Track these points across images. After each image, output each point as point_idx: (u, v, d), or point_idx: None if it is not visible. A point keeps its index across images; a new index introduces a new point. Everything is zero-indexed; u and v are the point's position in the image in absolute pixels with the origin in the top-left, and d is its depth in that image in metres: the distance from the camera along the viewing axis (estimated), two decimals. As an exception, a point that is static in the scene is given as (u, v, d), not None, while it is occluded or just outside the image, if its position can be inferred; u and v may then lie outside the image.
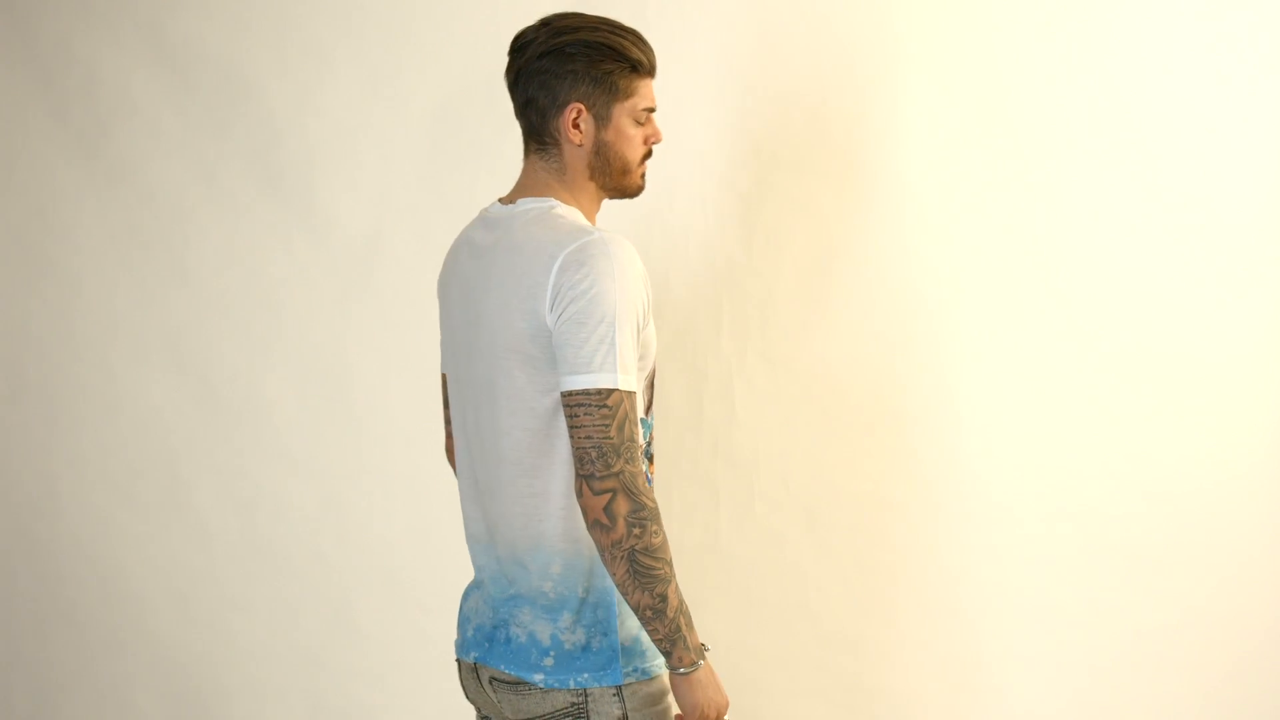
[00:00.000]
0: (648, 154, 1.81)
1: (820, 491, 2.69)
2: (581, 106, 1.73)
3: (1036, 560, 2.69)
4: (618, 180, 1.78)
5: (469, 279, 1.76)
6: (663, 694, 1.73)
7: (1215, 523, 2.67)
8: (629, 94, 1.75)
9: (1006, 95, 2.66)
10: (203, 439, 2.83)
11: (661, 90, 2.68)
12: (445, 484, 2.79)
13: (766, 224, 2.69)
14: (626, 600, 1.64)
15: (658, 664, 1.72)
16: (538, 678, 1.68)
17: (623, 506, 1.61)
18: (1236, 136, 2.64)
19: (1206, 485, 2.66)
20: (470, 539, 1.83)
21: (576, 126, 1.73)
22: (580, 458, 1.62)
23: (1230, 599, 2.68)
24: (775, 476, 2.69)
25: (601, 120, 1.74)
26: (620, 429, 1.61)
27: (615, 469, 1.61)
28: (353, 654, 2.81)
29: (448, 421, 1.95)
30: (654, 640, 1.67)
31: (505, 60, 1.78)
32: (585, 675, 1.68)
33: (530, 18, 1.78)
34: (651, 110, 1.79)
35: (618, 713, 1.68)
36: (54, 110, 2.80)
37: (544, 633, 1.70)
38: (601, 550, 1.63)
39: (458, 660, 1.84)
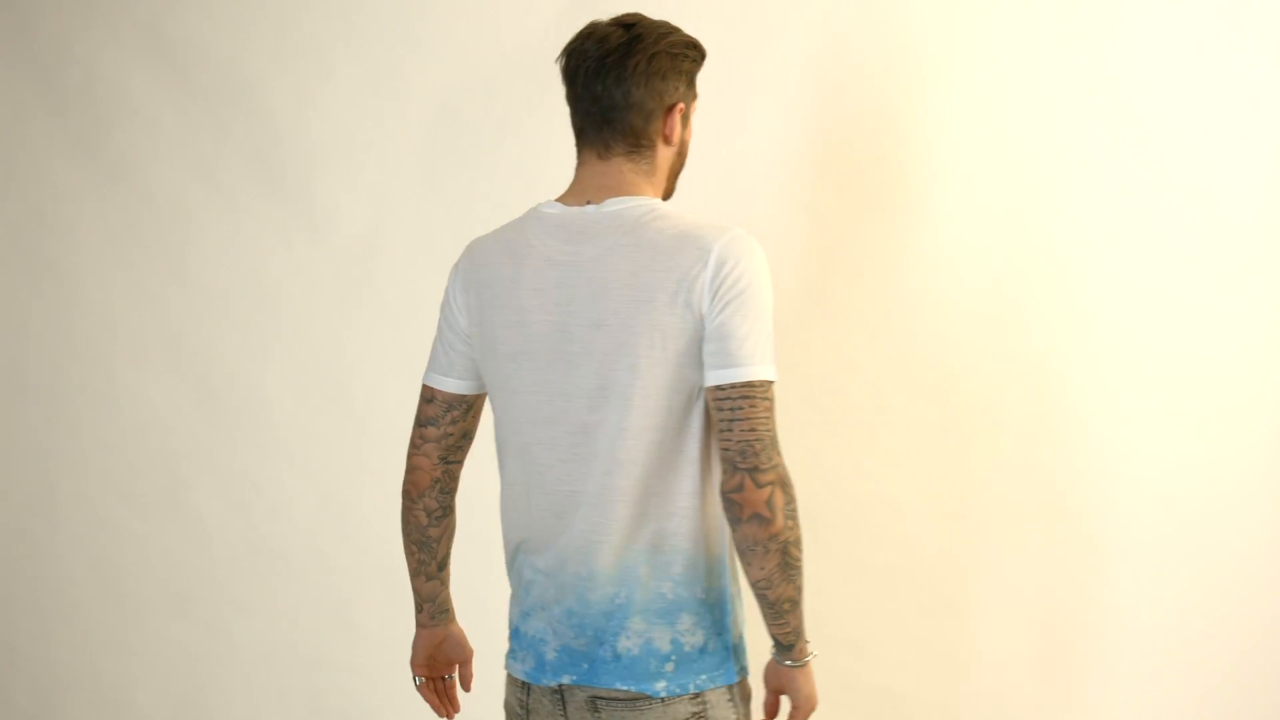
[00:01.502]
0: None
1: (820, 491, 2.69)
2: (683, 106, 1.74)
3: (1036, 560, 2.69)
4: (676, 180, 1.81)
5: (553, 284, 1.67)
6: (751, 694, 1.77)
7: (1215, 522, 2.66)
8: (697, 94, 1.79)
9: (1007, 94, 2.65)
10: (203, 439, 2.83)
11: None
12: (445, 484, 2.79)
13: (766, 224, 2.69)
14: (768, 594, 1.66)
15: (746, 664, 1.76)
16: (659, 686, 1.66)
17: (780, 498, 1.63)
18: (1238, 136, 2.64)
19: (1206, 485, 2.66)
20: (529, 554, 1.74)
21: (677, 127, 1.74)
22: (743, 451, 1.61)
23: (1230, 599, 2.67)
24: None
25: (685, 120, 1.76)
26: (773, 421, 1.64)
27: (775, 461, 1.63)
28: (352, 654, 2.81)
29: (425, 439, 1.84)
30: (783, 633, 1.71)
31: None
32: (703, 677, 1.69)
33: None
34: None
35: (733, 716, 1.71)
36: (54, 110, 2.80)
37: (662, 638, 1.67)
38: (754, 544, 1.63)
39: (523, 684, 1.76)
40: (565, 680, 1.70)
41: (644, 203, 1.68)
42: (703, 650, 1.69)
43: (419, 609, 1.93)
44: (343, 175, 2.77)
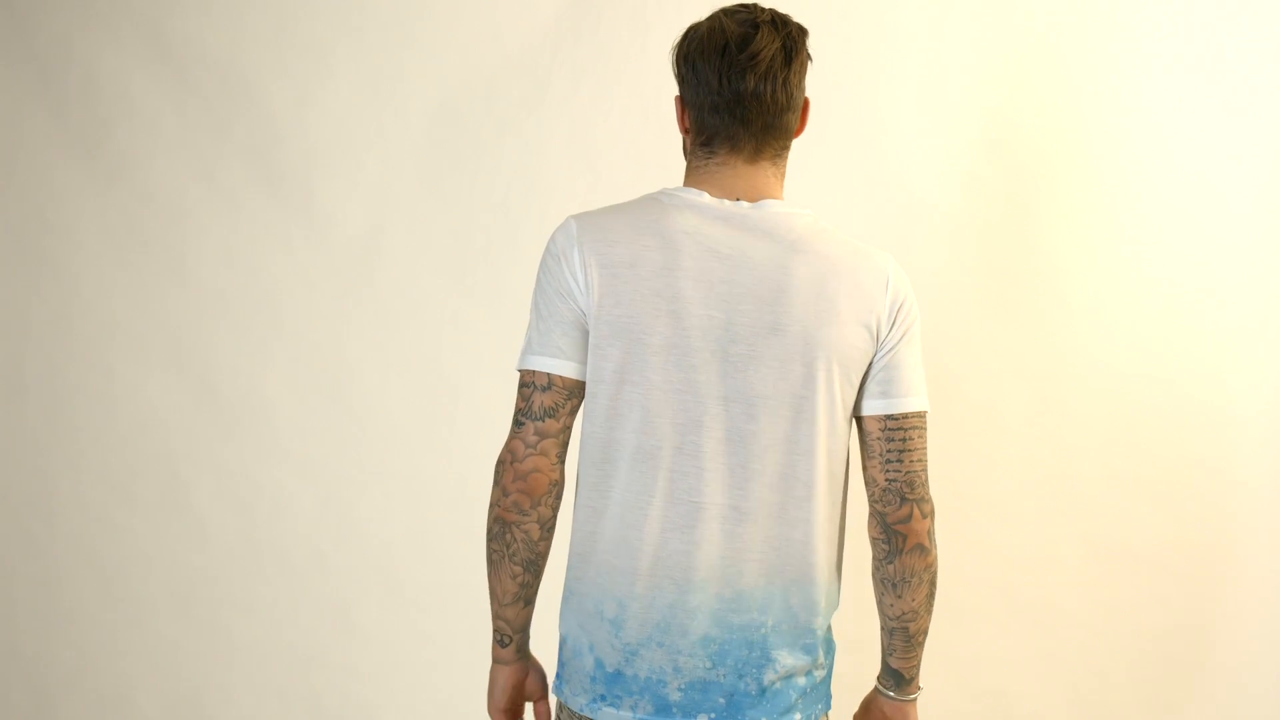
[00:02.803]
0: None
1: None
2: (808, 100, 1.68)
3: (1036, 560, 2.69)
4: None
5: (720, 278, 1.56)
6: None
7: (1214, 521, 2.66)
8: None
9: (1007, 93, 2.65)
10: (203, 439, 2.83)
11: (661, 90, 2.69)
12: (444, 483, 2.79)
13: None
14: (910, 626, 1.67)
15: None
16: (797, 718, 1.61)
17: (934, 530, 1.65)
18: (1238, 135, 2.64)
19: (1206, 484, 2.66)
20: (637, 576, 1.56)
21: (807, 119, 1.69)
22: (911, 481, 1.63)
23: (1230, 599, 2.67)
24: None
25: None
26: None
27: (930, 493, 1.65)
28: (352, 654, 2.81)
29: (544, 435, 1.58)
30: (910, 666, 1.72)
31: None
32: (819, 706, 1.65)
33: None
34: None
35: None
36: (54, 110, 2.80)
37: (801, 670, 1.61)
38: (910, 575, 1.64)
39: None
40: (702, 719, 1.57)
41: (803, 209, 1.63)
42: (820, 685, 1.66)
43: (506, 642, 1.65)
44: (343, 175, 2.77)
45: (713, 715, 1.56)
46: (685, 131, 1.67)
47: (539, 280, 1.61)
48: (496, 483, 1.59)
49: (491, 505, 1.59)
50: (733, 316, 1.55)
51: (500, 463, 1.58)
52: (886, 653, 1.73)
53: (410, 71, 2.75)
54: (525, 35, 2.69)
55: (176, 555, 2.83)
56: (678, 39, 1.67)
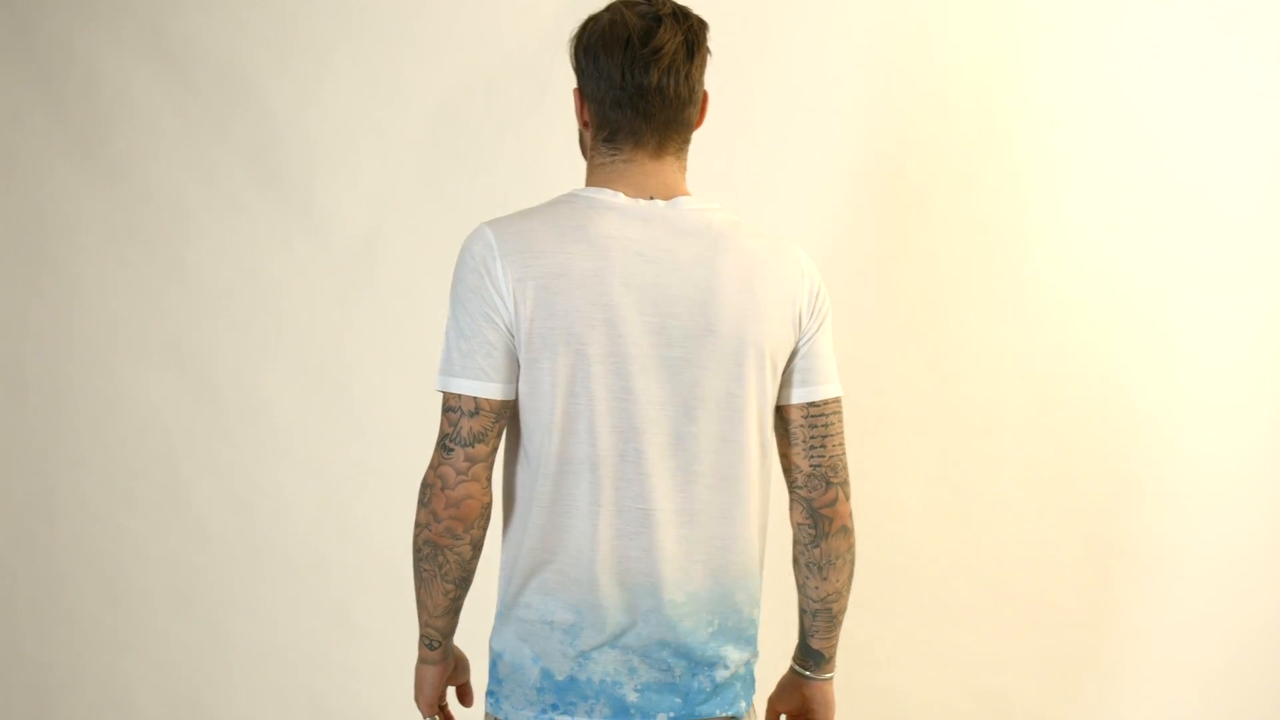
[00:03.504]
0: None
1: (820, 491, 2.69)
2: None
3: (1036, 560, 2.69)
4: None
5: (651, 282, 1.55)
6: None
7: (1215, 522, 2.66)
8: None
9: (1007, 92, 2.65)
10: (202, 439, 2.83)
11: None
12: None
13: (767, 224, 2.69)
14: (833, 606, 1.70)
15: None
16: (742, 706, 1.64)
17: (852, 511, 1.69)
18: (1238, 135, 2.64)
19: (1205, 484, 2.66)
20: (584, 586, 1.55)
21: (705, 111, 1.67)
22: (835, 465, 1.66)
23: (1229, 598, 2.67)
24: (775, 476, 2.69)
25: None
26: None
27: (849, 475, 1.69)
28: (352, 654, 2.81)
29: (474, 460, 1.54)
30: (829, 645, 1.73)
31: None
32: (752, 690, 1.68)
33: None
34: None
35: None
36: (54, 110, 2.80)
37: (743, 661, 1.64)
38: (835, 557, 1.67)
39: None
40: (666, 718, 1.58)
41: (715, 204, 1.63)
42: (754, 665, 1.69)
43: (434, 645, 1.67)
44: (343, 175, 2.77)
45: (671, 715, 1.58)
46: (585, 125, 1.65)
47: (458, 294, 1.55)
48: (424, 505, 1.55)
49: (420, 527, 1.56)
50: (666, 320, 1.55)
51: (428, 486, 1.55)
52: (807, 634, 1.74)
53: (410, 71, 2.75)
54: (525, 35, 2.69)
55: (176, 555, 2.83)
56: (575, 29, 1.65)
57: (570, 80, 2.69)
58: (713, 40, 1.66)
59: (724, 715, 1.61)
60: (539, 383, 1.53)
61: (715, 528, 1.58)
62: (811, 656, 1.75)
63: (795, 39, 2.67)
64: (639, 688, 1.57)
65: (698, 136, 1.73)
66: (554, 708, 1.57)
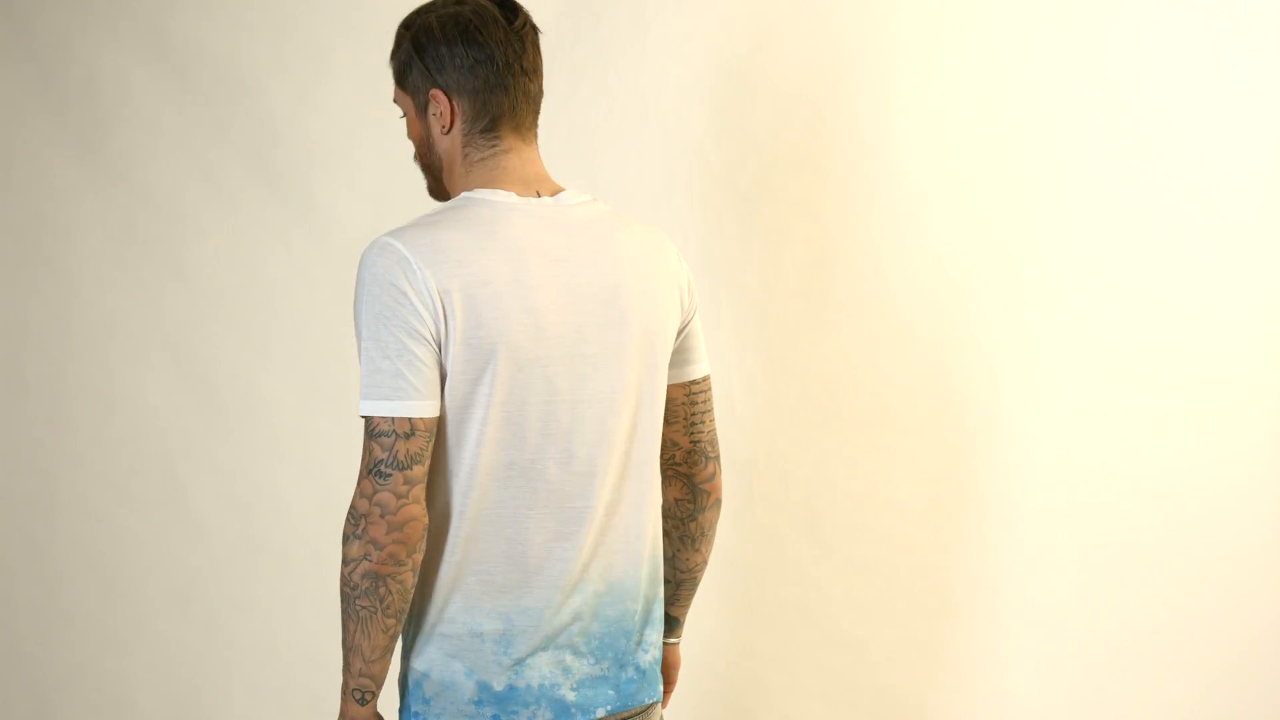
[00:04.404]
0: None
1: (820, 491, 2.69)
2: None
3: (1036, 560, 2.69)
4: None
5: (564, 283, 1.54)
6: None
7: (1214, 521, 2.66)
8: None
9: (1007, 92, 2.65)
10: (202, 439, 2.82)
11: (661, 90, 2.69)
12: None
13: (766, 224, 2.69)
14: (698, 574, 1.78)
15: None
16: (659, 688, 1.69)
17: None
18: (1238, 135, 2.64)
19: (1206, 484, 2.66)
20: (514, 590, 1.53)
21: None
22: (712, 440, 1.73)
23: (1229, 598, 2.67)
24: (775, 476, 2.69)
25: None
26: None
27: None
28: (352, 654, 2.81)
29: (412, 482, 1.47)
30: (684, 611, 1.81)
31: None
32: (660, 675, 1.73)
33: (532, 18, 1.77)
34: None
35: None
36: (54, 110, 2.80)
37: (659, 643, 1.68)
38: (709, 528, 1.75)
39: None
40: (600, 714, 1.57)
41: (588, 196, 1.64)
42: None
43: (365, 699, 1.53)
44: (342, 175, 2.77)
45: (609, 708, 1.58)
46: (449, 128, 1.60)
47: (375, 312, 1.50)
48: (358, 538, 1.46)
49: (354, 562, 1.46)
50: (581, 319, 1.54)
51: (363, 517, 1.45)
52: (668, 603, 1.79)
53: (410, 71, 2.75)
54: (525, 35, 2.69)
55: (176, 555, 2.83)
56: (411, 31, 1.60)
57: (570, 86, 2.70)
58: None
59: (652, 701, 1.66)
60: (469, 394, 1.50)
61: (634, 516, 1.60)
62: (668, 623, 1.80)
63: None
64: (575, 686, 1.56)
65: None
66: (495, 719, 1.53)
